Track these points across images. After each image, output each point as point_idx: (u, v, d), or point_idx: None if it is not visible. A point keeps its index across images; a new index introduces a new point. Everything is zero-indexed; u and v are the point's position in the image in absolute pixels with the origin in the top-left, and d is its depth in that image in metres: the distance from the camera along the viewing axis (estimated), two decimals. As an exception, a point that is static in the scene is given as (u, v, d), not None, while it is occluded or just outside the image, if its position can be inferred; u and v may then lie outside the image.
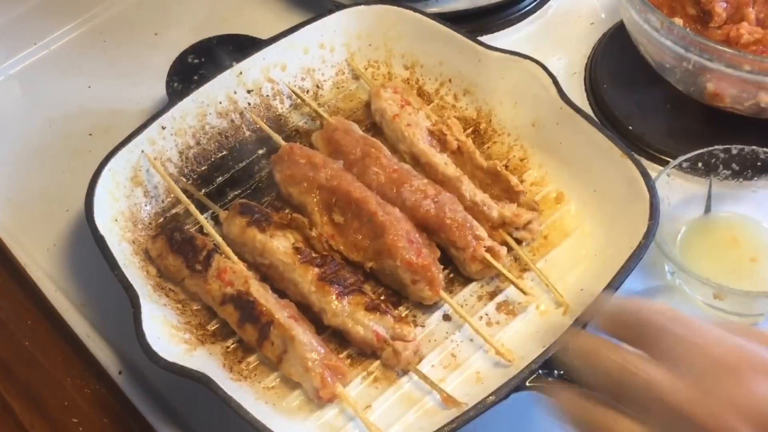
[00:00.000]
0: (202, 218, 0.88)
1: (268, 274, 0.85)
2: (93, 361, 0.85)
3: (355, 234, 0.85)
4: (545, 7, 1.16)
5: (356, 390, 0.79)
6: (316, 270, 0.82)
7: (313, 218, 0.88)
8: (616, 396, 0.55)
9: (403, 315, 0.82)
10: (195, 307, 0.84)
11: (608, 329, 0.57)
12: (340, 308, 0.80)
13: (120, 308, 0.78)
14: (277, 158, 0.92)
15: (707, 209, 0.91)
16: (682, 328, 0.54)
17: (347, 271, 0.83)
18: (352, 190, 0.86)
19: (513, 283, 0.83)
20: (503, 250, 0.85)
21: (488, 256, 0.84)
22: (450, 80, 1.01)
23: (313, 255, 0.83)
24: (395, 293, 0.85)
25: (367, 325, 0.79)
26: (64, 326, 0.87)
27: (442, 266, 0.84)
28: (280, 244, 0.84)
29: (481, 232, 0.85)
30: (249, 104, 0.98)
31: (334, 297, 0.80)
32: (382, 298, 0.84)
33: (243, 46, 1.03)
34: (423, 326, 0.83)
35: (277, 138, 0.95)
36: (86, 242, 0.83)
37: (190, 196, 0.90)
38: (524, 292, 0.83)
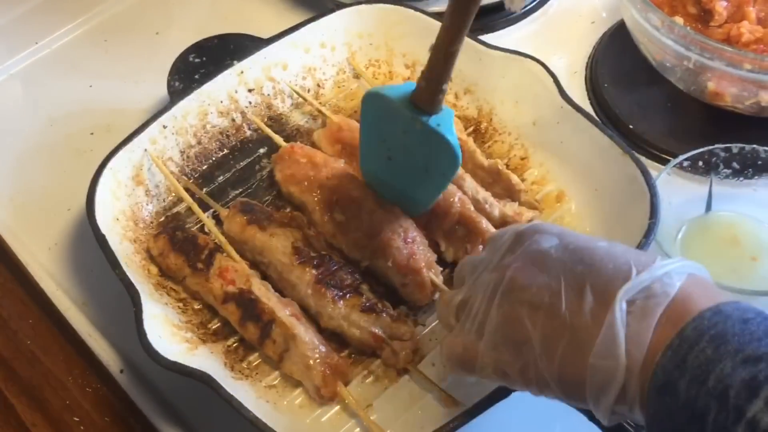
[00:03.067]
0: (205, 216, 0.88)
1: (267, 273, 0.85)
2: (94, 359, 0.85)
3: (354, 232, 0.85)
4: (546, 6, 1.16)
5: (357, 389, 0.79)
6: (314, 272, 0.82)
7: (313, 217, 0.88)
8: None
9: (402, 314, 0.82)
10: (196, 306, 0.85)
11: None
12: (336, 311, 0.80)
13: (121, 307, 0.78)
14: (277, 158, 0.92)
15: (708, 208, 0.91)
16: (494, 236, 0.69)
17: (345, 271, 0.83)
18: (353, 188, 0.86)
19: None
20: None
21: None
22: (451, 79, 1.00)
23: (312, 255, 0.83)
24: (394, 292, 0.85)
25: (363, 326, 0.79)
26: (65, 325, 0.87)
27: (443, 266, 0.85)
28: (279, 243, 0.84)
29: (489, 226, 0.85)
30: (250, 103, 0.98)
31: (329, 301, 0.80)
32: (380, 297, 0.83)
33: (244, 45, 1.03)
34: (424, 325, 0.83)
35: (278, 138, 0.95)
36: (88, 241, 0.83)
37: (191, 194, 0.90)
38: None
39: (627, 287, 0.56)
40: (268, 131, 0.96)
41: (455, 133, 0.76)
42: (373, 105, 0.80)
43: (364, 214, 0.85)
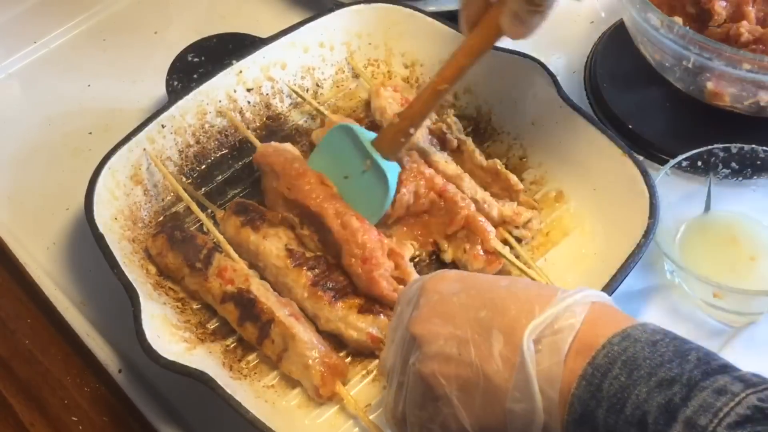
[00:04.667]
0: (204, 216, 0.88)
1: (263, 276, 0.85)
2: (93, 359, 0.85)
3: (322, 249, 0.85)
4: (545, 5, 1.16)
5: (356, 388, 0.79)
6: (309, 274, 0.82)
7: (296, 232, 0.87)
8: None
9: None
10: (195, 306, 0.85)
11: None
12: (333, 314, 0.80)
13: (120, 307, 0.78)
14: (257, 166, 0.92)
15: (707, 208, 0.91)
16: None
17: (340, 272, 0.83)
18: (310, 203, 0.85)
19: (524, 272, 0.83)
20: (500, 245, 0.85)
21: (499, 246, 0.84)
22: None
23: (306, 256, 0.83)
24: (394, 291, 0.85)
25: (360, 328, 0.79)
26: (63, 325, 0.87)
27: (443, 266, 0.85)
28: (273, 246, 0.84)
29: (488, 226, 0.85)
30: (249, 103, 0.98)
31: (326, 303, 0.80)
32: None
33: (243, 44, 1.03)
34: (423, 325, 0.83)
35: (254, 140, 0.94)
36: (86, 241, 0.83)
37: (189, 194, 0.90)
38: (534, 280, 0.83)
39: (532, 326, 0.56)
40: (245, 131, 0.95)
41: (395, 184, 0.85)
42: (344, 135, 0.89)
43: (325, 232, 0.84)
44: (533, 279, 0.83)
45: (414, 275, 0.83)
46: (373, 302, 0.81)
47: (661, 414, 0.50)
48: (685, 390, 0.50)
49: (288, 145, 0.93)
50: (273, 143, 0.93)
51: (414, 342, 0.62)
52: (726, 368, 0.52)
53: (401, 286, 0.81)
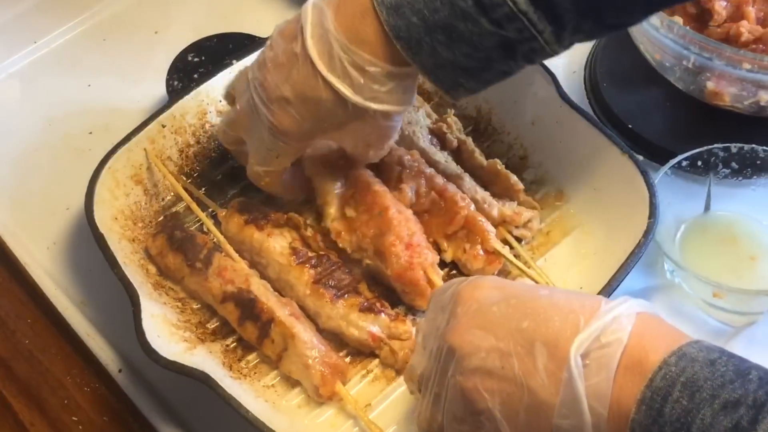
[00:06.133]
0: (204, 216, 0.88)
1: (265, 274, 0.85)
2: (93, 359, 0.85)
3: (361, 229, 0.84)
4: (545, 5, 1.16)
5: (356, 388, 0.79)
6: (311, 272, 0.82)
7: (327, 209, 0.86)
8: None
9: (400, 313, 0.82)
10: (195, 306, 0.85)
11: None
12: (334, 312, 0.80)
13: (120, 306, 0.78)
14: None
15: (707, 207, 0.91)
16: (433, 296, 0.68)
17: (343, 271, 0.83)
18: (372, 182, 0.85)
19: (524, 272, 0.83)
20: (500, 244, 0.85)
21: (499, 246, 0.84)
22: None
23: (309, 254, 0.83)
24: (393, 291, 0.85)
25: (361, 326, 0.79)
26: (63, 324, 0.87)
27: (442, 266, 0.84)
28: (276, 244, 0.84)
29: (488, 226, 0.85)
30: (249, 103, 0.98)
31: (328, 301, 0.80)
32: (379, 296, 0.83)
33: (243, 44, 1.03)
34: (423, 324, 0.83)
35: None
36: (86, 240, 0.83)
37: (190, 194, 0.90)
38: (536, 281, 0.83)
39: (579, 341, 0.55)
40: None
41: None
42: None
43: (376, 213, 0.84)
44: (533, 279, 0.83)
45: (440, 281, 0.82)
46: (375, 300, 0.81)
47: None
48: (752, 412, 0.49)
49: None
50: None
51: (453, 353, 0.60)
52: None
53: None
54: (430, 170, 0.88)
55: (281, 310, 0.79)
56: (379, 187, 0.85)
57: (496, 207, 0.87)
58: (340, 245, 0.85)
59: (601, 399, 0.53)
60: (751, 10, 0.94)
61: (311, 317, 0.81)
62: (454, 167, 0.91)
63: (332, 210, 0.86)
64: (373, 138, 0.80)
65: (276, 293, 0.82)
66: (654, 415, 0.51)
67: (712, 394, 0.50)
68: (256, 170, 0.84)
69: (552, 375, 0.55)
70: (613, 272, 0.78)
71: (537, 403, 0.56)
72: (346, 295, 0.81)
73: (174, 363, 0.72)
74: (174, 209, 0.92)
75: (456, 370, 0.60)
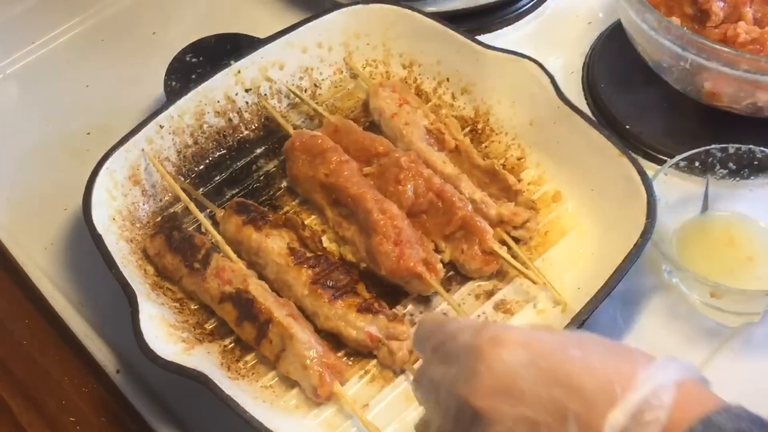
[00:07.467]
0: (202, 216, 0.88)
1: (263, 274, 0.85)
2: (91, 359, 0.85)
3: (354, 237, 0.86)
4: (543, 6, 1.16)
5: (354, 388, 0.79)
6: (310, 272, 0.82)
7: (326, 214, 0.89)
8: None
9: (399, 313, 0.82)
10: (193, 306, 0.85)
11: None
12: (332, 312, 0.80)
13: (118, 307, 0.78)
14: (285, 151, 0.93)
15: (704, 208, 0.91)
16: (441, 329, 0.61)
17: (341, 271, 0.83)
18: (350, 186, 0.86)
19: (522, 272, 0.83)
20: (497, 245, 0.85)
21: (497, 246, 0.84)
22: (448, 79, 1.01)
23: (308, 255, 0.83)
24: (392, 291, 0.85)
25: (359, 327, 0.79)
26: (61, 325, 0.87)
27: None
28: (275, 244, 0.84)
29: (487, 227, 0.85)
30: (247, 103, 0.98)
31: (326, 301, 0.80)
32: (377, 296, 0.83)
33: (241, 45, 1.03)
34: (421, 325, 0.83)
35: (287, 126, 0.96)
36: (84, 241, 0.83)
37: (188, 194, 0.90)
38: (534, 281, 0.83)
39: (613, 420, 0.51)
40: (279, 118, 0.97)
41: None
42: None
43: (360, 214, 0.85)
44: (531, 279, 0.83)
45: (438, 264, 0.82)
46: (373, 301, 0.81)
47: None
48: None
49: (318, 132, 0.94)
50: (305, 130, 0.94)
51: (478, 419, 0.56)
52: None
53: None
54: (428, 171, 0.88)
55: (279, 310, 0.79)
56: (355, 189, 0.86)
57: (493, 207, 0.87)
58: (348, 258, 0.87)
59: None
60: (749, 11, 0.94)
61: (309, 317, 0.82)
62: (451, 168, 0.91)
63: (329, 213, 0.88)
64: None
65: (274, 294, 0.82)
66: None
67: None
68: None
69: None
70: (611, 272, 0.78)
71: None
72: (344, 296, 0.81)
73: (172, 363, 0.72)
74: (172, 210, 0.92)
75: None
